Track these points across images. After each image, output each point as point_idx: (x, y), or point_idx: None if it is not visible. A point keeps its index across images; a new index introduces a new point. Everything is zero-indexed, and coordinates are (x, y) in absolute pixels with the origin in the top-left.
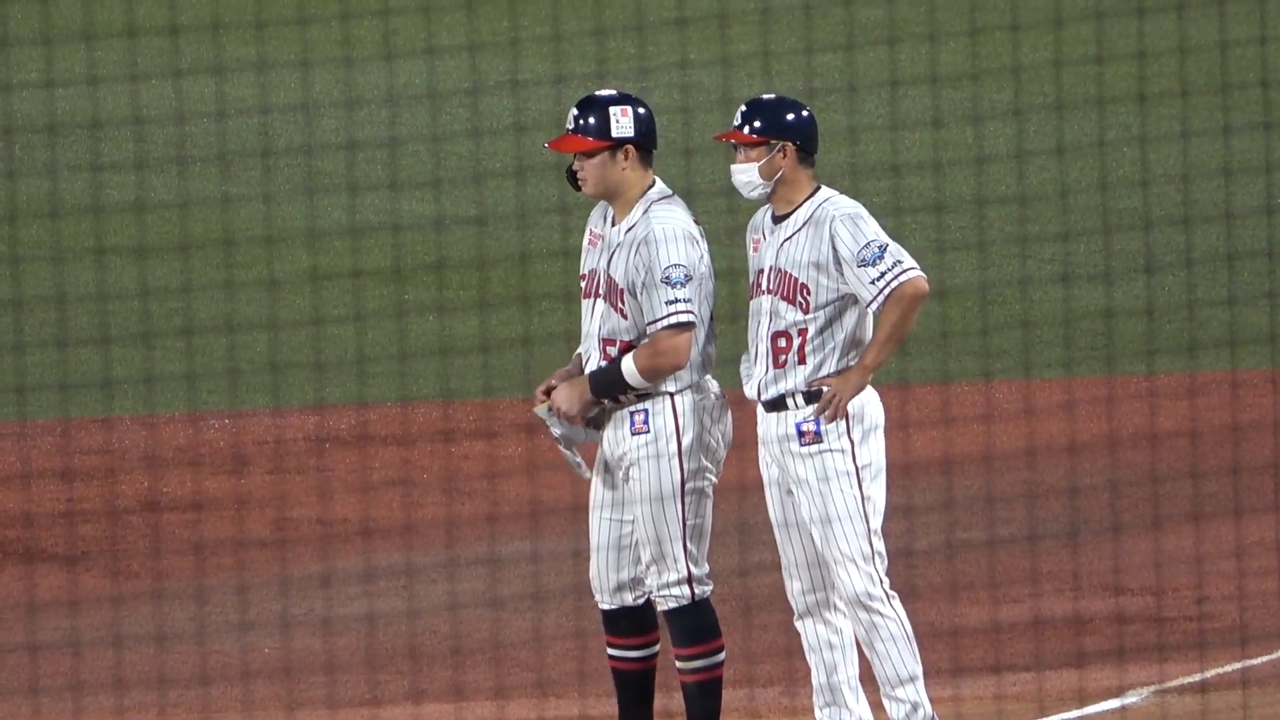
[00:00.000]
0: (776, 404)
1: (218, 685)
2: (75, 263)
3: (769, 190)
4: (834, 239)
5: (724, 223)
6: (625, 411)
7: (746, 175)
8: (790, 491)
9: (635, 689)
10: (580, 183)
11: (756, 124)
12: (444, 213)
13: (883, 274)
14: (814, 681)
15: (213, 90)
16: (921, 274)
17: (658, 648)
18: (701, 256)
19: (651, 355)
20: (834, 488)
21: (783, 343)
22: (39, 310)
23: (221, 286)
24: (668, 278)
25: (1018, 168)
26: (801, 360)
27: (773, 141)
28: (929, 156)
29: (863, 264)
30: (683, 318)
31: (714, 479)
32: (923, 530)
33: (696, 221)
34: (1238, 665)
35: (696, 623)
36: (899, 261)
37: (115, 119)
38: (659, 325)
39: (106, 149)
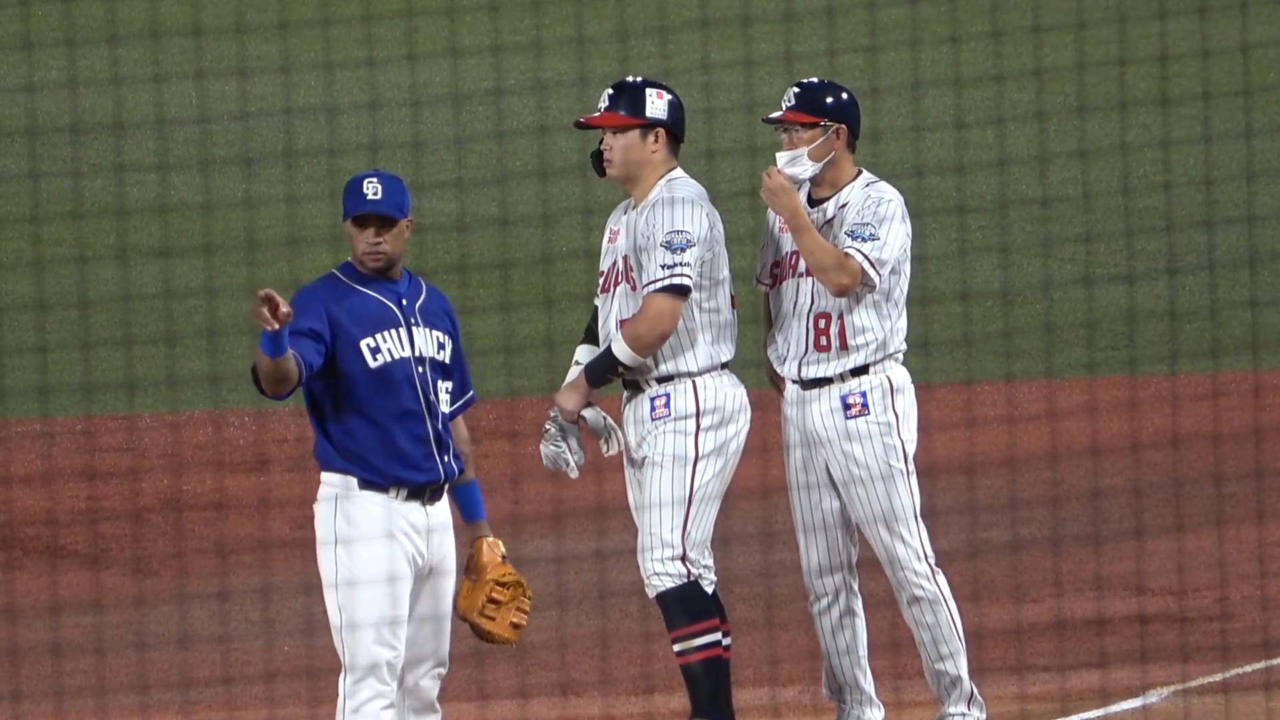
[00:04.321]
0: (821, 382)
1: (239, 684)
2: (98, 263)
3: (818, 172)
4: (858, 210)
5: (746, 224)
6: (646, 397)
7: (796, 156)
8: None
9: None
10: (606, 164)
11: (812, 105)
12: (466, 213)
13: (857, 249)
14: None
15: (235, 90)
16: (867, 272)
17: (729, 639)
18: (712, 227)
19: (637, 322)
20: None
21: (823, 324)
22: (61, 310)
23: (244, 286)
24: (669, 242)
25: (1040, 169)
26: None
27: (826, 123)
28: (951, 158)
29: (852, 234)
30: (677, 281)
31: (728, 470)
32: (944, 531)
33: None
34: (1260, 665)
35: (693, 600)
36: (867, 254)
37: (138, 119)
38: (652, 287)
39: (129, 149)
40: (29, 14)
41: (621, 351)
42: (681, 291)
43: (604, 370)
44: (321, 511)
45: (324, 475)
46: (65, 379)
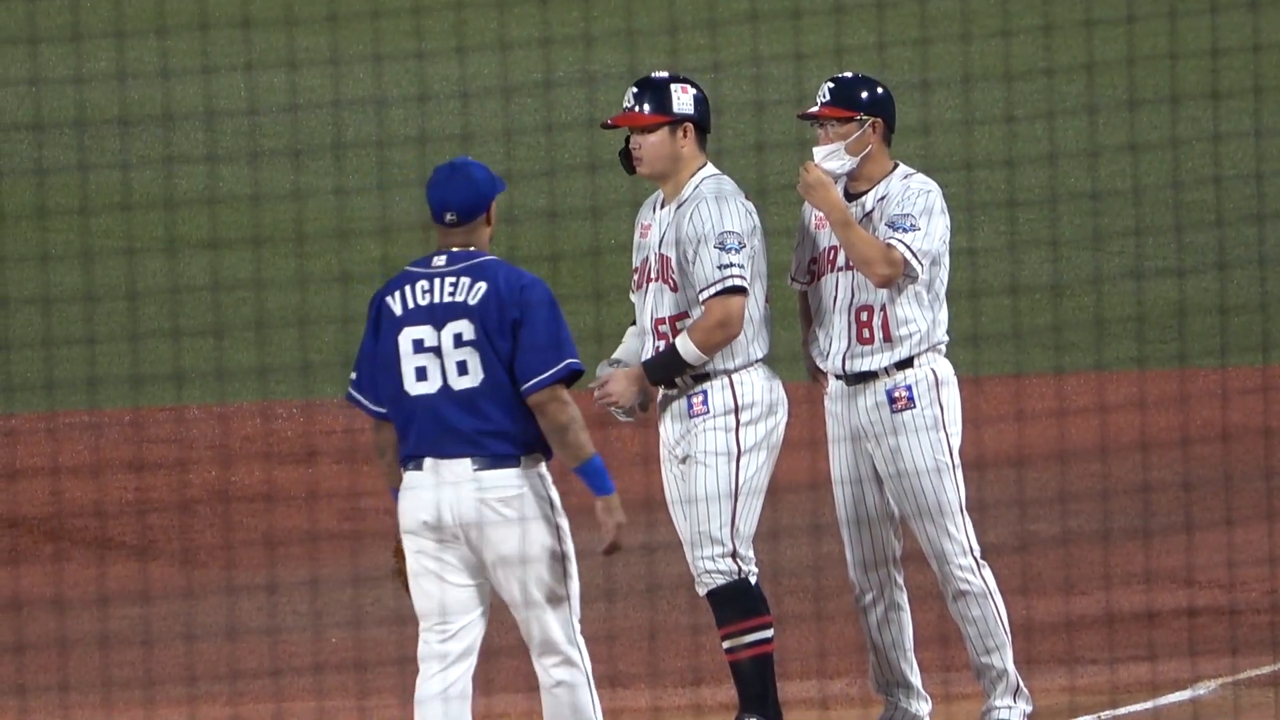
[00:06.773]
0: (866, 376)
1: (287, 675)
2: (146, 254)
3: (854, 167)
4: (898, 202)
5: (796, 217)
6: (684, 396)
7: (833, 151)
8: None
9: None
10: (636, 162)
11: (847, 100)
12: (515, 205)
13: (900, 240)
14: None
15: (284, 82)
16: (910, 263)
17: (771, 632)
18: (755, 228)
19: (706, 327)
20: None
21: (865, 316)
22: (110, 301)
23: (293, 278)
24: (721, 243)
25: (1089, 163)
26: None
27: (862, 117)
28: (1001, 151)
29: (893, 225)
30: (736, 281)
31: (770, 463)
32: (993, 524)
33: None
34: None
35: (743, 596)
36: (909, 245)
37: (187, 111)
38: (712, 290)
39: (178, 141)
40: (78, 5)
41: (689, 353)
42: (740, 291)
43: (668, 370)
44: (540, 488)
45: (520, 459)
46: (114, 370)
